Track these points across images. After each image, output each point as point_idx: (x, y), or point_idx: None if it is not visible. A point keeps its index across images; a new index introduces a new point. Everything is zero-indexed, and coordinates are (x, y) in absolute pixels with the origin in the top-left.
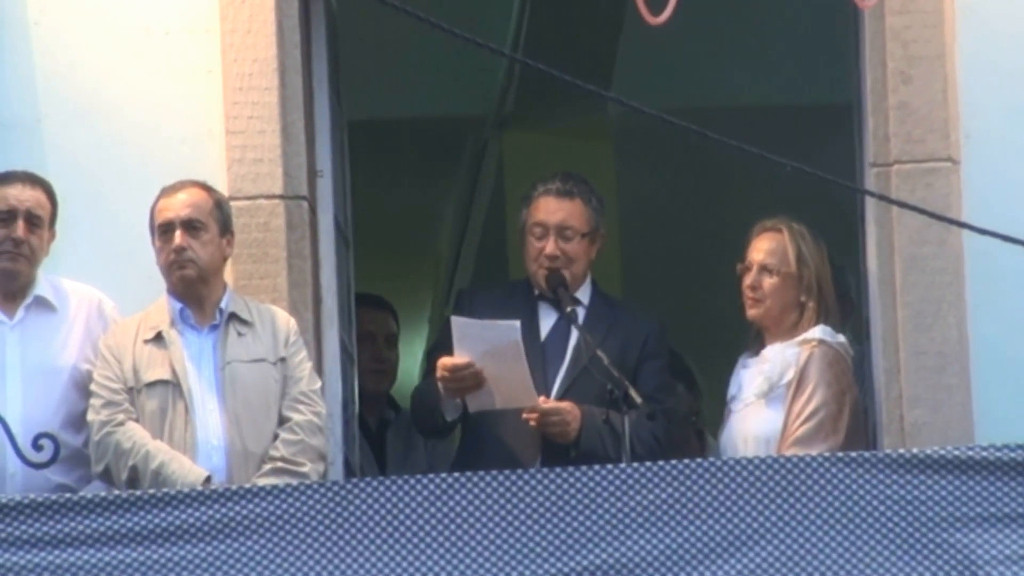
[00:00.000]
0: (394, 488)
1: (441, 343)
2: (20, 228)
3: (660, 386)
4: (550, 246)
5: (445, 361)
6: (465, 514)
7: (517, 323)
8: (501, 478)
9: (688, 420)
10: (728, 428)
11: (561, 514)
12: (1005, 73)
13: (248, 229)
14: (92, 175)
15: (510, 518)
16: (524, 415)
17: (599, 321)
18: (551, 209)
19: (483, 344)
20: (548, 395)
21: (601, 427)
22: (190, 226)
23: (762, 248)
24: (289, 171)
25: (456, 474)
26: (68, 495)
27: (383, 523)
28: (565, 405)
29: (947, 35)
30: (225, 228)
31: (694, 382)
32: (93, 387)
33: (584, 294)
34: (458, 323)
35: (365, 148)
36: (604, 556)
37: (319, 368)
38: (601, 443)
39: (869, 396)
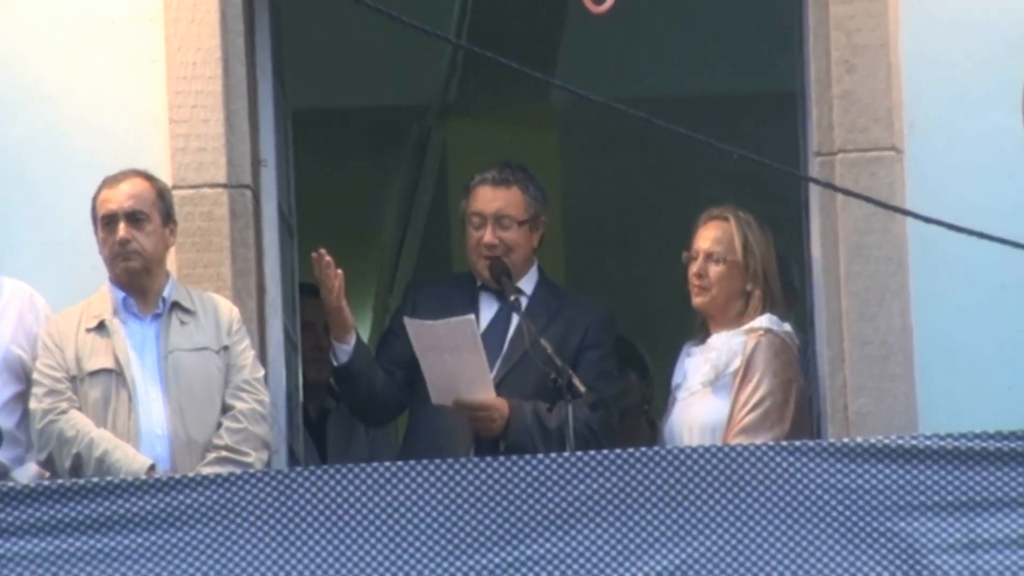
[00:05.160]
0: (338, 476)
1: (387, 336)
2: None
3: (599, 375)
4: (488, 235)
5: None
6: (409, 503)
7: (471, 317)
8: (444, 467)
9: (640, 409)
10: (672, 416)
11: (505, 503)
12: (948, 62)
13: (192, 218)
14: (35, 164)
15: (453, 507)
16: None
17: (541, 309)
18: (488, 198)
19: (441, 343)
20: None
21: (531, 423)
22: (133, 218)
23: (708, 236)
24: (233, 160)
25: (400, 463)
26: (11, 484)
27: (327, 511)
28: (491, 401)
29: (891, 24)
30: (168, 217)
31: (646, 370)
32: (35, 376)
33: (529, 282)
34: (412, 325)
35: (309, 137)
36: (548, 545)
37: (263, 357)
38: (530, 438)
39: (813, 385)
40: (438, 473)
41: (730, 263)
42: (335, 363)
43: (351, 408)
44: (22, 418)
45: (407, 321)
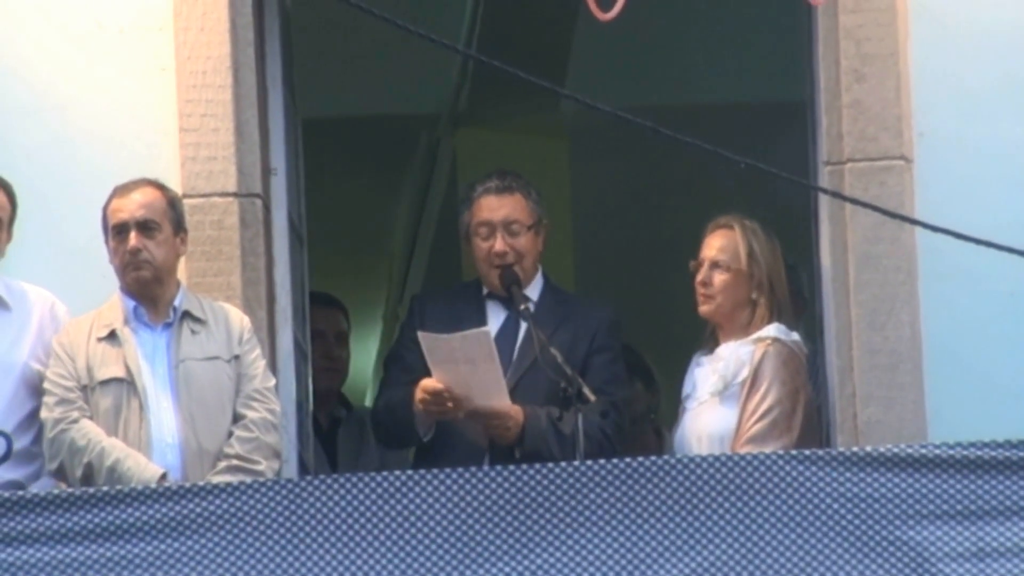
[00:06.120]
0: (348, 486)
1: (401, 351)
2: None
3: (609, 379)
4: (499, 243)
5: (426, 384)
6: (420, 512)
7: (487, 329)
8: (455, 476)
9: (647, 418)
10: (682, 426)
11: (515, 512)
12: (958, 72)
13: (202, 227)
14: (45, 173)
15: (464, 516)
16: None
17: (548, 315)
18: (493, 207)
19: (456, 355)
20: None
21: (546, 429)
22: (144, 227)
23: (714, 245)
24: (243, 169)
25: (411, 472)
26: (21, 492)
27: (338, 521)
28: (506, 408)
29: (900, 33)
30: (179, 226)
31: (652, 379)
32: (46, 385)
33: (535, 289)
34: (427, 339)
35: (319, 146)
36: (558, 555)
37: (273, 366)
38: (546, 445)
39: (822, 394)
40: (448, 482)
41: (735, 272)
42: (422, 438)
43: (387, 445)
44: (39, 434)
45: (421, 335)
